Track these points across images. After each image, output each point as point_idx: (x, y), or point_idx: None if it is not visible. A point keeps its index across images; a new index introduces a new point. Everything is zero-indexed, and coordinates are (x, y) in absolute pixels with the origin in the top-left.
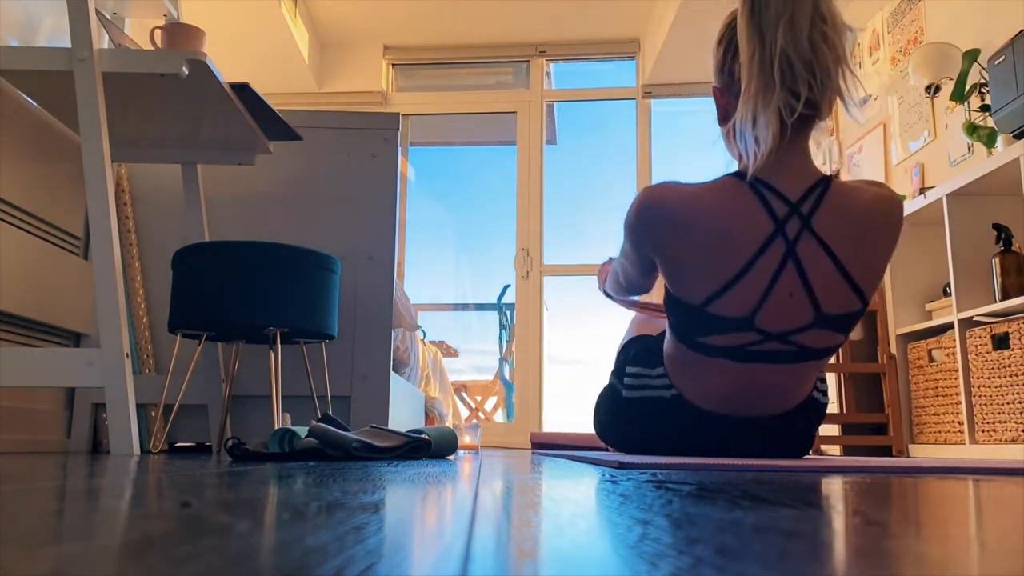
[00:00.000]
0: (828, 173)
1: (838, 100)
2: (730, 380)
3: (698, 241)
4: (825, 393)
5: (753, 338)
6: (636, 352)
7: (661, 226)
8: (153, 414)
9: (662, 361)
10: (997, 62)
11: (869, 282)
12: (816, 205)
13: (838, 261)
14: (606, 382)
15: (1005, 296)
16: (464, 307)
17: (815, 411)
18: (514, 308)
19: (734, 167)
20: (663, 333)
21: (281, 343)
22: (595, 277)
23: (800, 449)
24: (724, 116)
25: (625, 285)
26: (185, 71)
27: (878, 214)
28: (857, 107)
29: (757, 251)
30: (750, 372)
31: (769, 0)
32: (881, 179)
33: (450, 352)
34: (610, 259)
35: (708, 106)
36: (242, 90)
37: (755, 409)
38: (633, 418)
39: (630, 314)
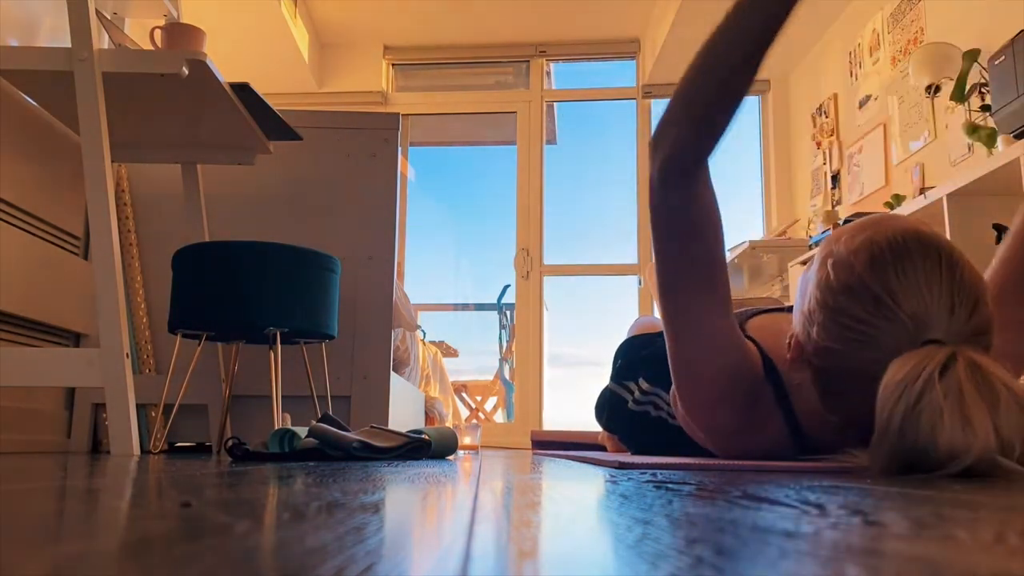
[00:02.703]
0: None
1: None
2: None
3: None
4: None
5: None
6: (649, 365)
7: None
8: (153, 414)
9: (670, 388)
10: (997, 62)
11: None
12: None
13: None
14: (606, 383)
15: None
16: (464, 307)
17: None
18: (514, 308)
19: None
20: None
21: (281, 343)
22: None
23: None
24: (796, 360)
25: (664, 266)
26: (185, 71)
27: None
28: None
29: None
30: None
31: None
32: (881, 179)
33: (450, 352)
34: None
35: None
36: (242, 90)
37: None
38: (639, 428)
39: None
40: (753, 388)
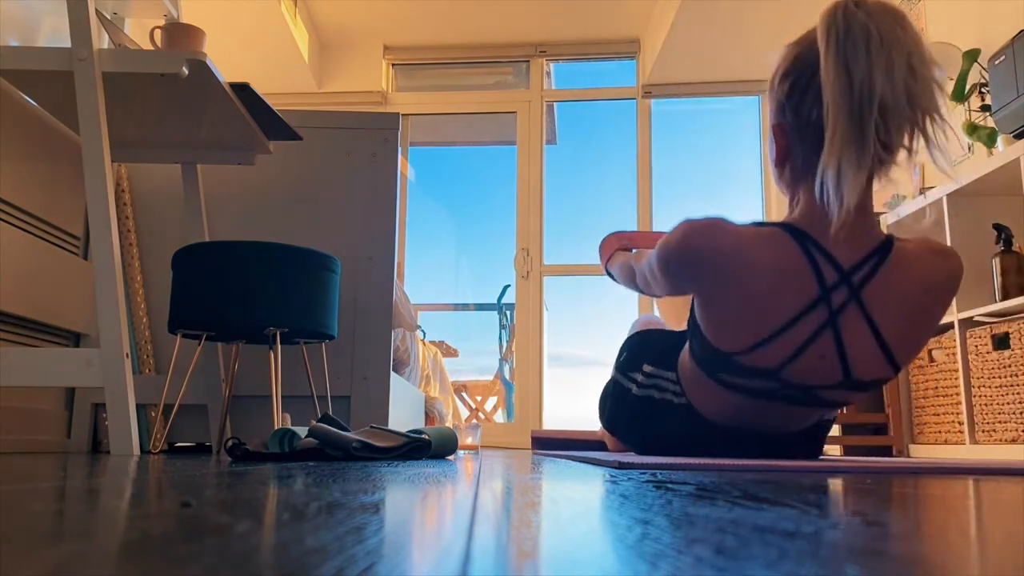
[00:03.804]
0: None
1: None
2: (744, 410)
3: (739, 294)
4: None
5: (775, 386)
6: (653, 351)
7: (705, 268)
8: (153, 414)
9: (676, 367)
10: (997, 62)
11: (907, 354)
12: (869, 276)
13: (879, 334)
14: (609, 376)
15: (1005, 296)
16: (464, 307)
17: (824, 426)
18: (514, 308)
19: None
20: (675, 333)
21: (281, 343)
22: (597, 257)
23: (809, 456)
24: (782, 157)
25: (643, 289)
26: (185, 71)
27: (935, 286)
28: (946, 158)
29: (797, 315)
30: (766, 406)
31: (859, 37)
32: None
33: (450, 352)
34: (615, 233)
35: (708, 106)
36: (242, 90)
37: (766, 430)
38: (643, 414)
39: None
40: (711, 259)
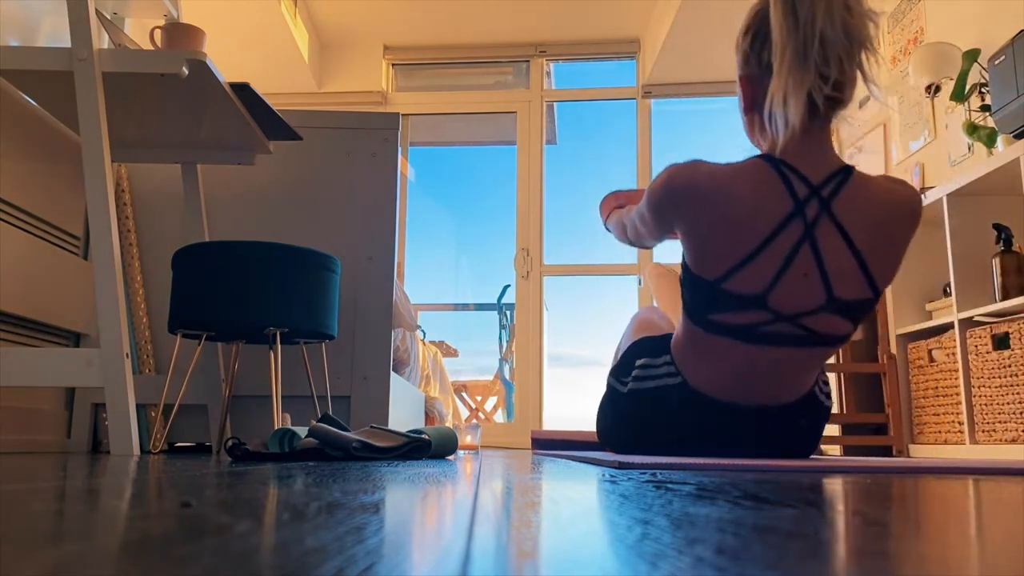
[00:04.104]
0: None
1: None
2: (736, 364)
3: (720, 218)
4: (829, 396)
5: (765, 318)
6: (642, 347)
7: (687, 202)
8: (153, 414)
9: (668, 351)
10: (997, 62)
11: (882, 273)
12: (836, 190)
13: (854, 247)
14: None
15: (1005, 296)
16: (464, 307)
17: (818, 410)
18: (514, 308)
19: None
20: (667, 335)
21: (281, 343)
22: (598, 214)
23: (805, 449)
24: (750, 105)
25: (634, 240)
26: (185, 71)
27: (897, 207)
28: (880, 89)
29: (775, 229)
30: (756, 355)
31: None
32: None
33: (450, 352)
34: (613, 192)
35: (708, 106)
36: (242, 90)
37: (757, 398)
38: (634, 412)
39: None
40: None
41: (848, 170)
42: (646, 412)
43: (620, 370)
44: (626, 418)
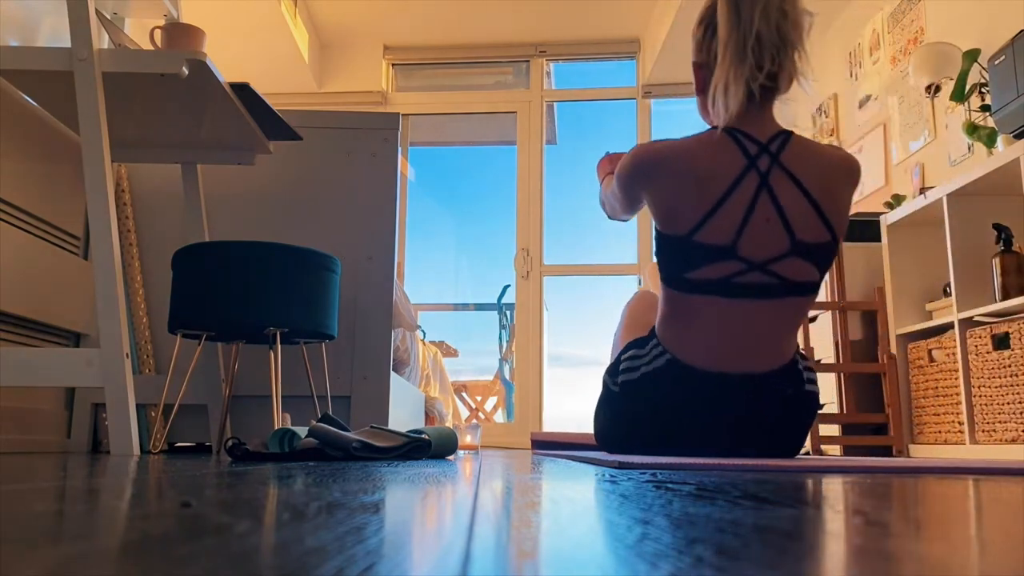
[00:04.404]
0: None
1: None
2: (718, 324)
3: (683, 178)
4: (814, 382)
5: (737, 268)
6: (630, 344)
7: (652, 170)
8: (153, 414)
9: (654, 335)
10: (997, 62)
11: (836, 219)
12: (783, 146)
13: (807, 192)
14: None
15: (1005, 296)
16: (464, 307)
17: (801, 380)
18: (514, 308)
19: None
20: (654, 328)
21: (281, 343)
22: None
23: (792, 446)
24: (702, 88)
25: (610, 214)
26: (185, 71)
27: (838, 162)
28: (808, 83)
29: (733, 182)
30: (735, 311)
31: None
32: (881, 179)
33: (450, 352)
34: (607, 155)
35: None
36: (242, 90)
37: (741, 363)
38: (628, 408)
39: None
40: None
41: (789, 133)
42: (639, 405)
43: (613, 369)
44: (621, 416)
